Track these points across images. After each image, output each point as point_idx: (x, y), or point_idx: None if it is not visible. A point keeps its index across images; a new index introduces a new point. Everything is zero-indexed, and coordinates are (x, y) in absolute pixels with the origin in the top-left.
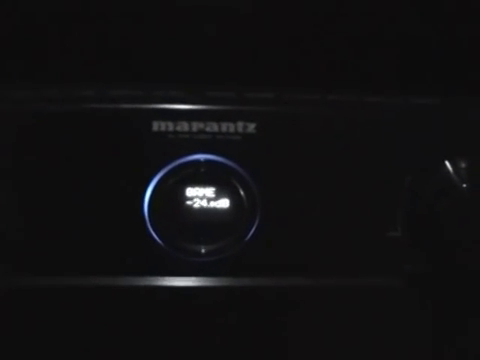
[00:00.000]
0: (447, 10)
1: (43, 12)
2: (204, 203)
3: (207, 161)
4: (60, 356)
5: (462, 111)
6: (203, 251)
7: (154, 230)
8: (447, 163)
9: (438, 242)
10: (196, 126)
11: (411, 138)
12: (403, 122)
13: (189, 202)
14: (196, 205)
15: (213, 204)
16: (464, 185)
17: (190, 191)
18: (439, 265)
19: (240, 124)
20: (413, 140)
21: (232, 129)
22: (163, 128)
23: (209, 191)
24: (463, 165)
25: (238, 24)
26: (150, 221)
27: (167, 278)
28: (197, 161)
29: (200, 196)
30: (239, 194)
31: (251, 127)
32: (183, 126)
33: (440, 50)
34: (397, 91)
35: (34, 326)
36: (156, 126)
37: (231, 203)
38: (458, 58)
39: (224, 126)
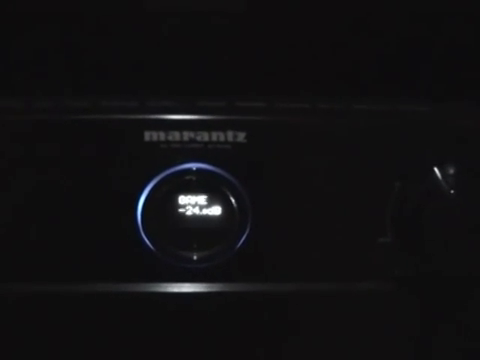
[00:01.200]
0: (433, 18)
1: (35, 23)
2: (196, 210)
3: (199, 170)
4: None
5: (451, 117)
6: (195, 258)
7: (147, 237)
8: (436, 169)
9: (427, 247)
10: (187, 136)
11: (400, 145)
12: (392, 129)
13: (182, 210)
14: (188, 212)
15: (205, 211)
16: (452, 191)
17: (182, 199)
18: (428, 269)
19: (230, 133)
20: (402, 147)
21: (222, 138)
22: (155, 138)
23: (201, 199)
24: (451, 171)
25: (228, 33)
26: (143, 228)
27: (160, 284)
28: (189, 170)
29: (192, 204)
30: (230, 202)
31: (241, 136)
32: (174, 136)
33: (428, 57)
34: (386, 98)
35: (25, 333)
36: (148, 136)
37: (223, 210)
38: (446, 65)
39: (214, 135)
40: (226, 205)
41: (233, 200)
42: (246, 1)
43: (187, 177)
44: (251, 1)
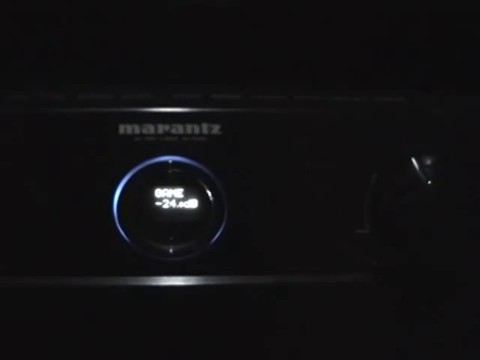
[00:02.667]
0: (410, 10)
1: (9, 15)
2: (173, 204)
3: (174, 163)
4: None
5: (427, 108)
6: (171, 251)
7: (123, 230)
8: (413, 160)
9: (404, 238)
10: (162, 128)
11: (377, 136)
12: (369, 120)
13: (158, 203)
14: (165, 206)
15: (181, 204)
16: (429, 182)
17: (158, 192)
18: (406, 260)
19: (205, 126)
20: (379, 138)
21: (197, 131)
22: (129, 131)
23: (177, 192)
24: (429, 162)
25: (204, 25)
26: (119, 222)
27: (136, 278)
28: (165, 163)
29: (169, 197)
30: (206, 194)
31: (216, 128)
32: (149, 129)
33: (403, 47)
34: (362, 89)
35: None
36: (122, 129)
37: (199, 203)
38: (421, 55)
39: (189, 128)
40: (202, 198)
41: (209, 193)
42: None
43: (163, 170)
44: None
